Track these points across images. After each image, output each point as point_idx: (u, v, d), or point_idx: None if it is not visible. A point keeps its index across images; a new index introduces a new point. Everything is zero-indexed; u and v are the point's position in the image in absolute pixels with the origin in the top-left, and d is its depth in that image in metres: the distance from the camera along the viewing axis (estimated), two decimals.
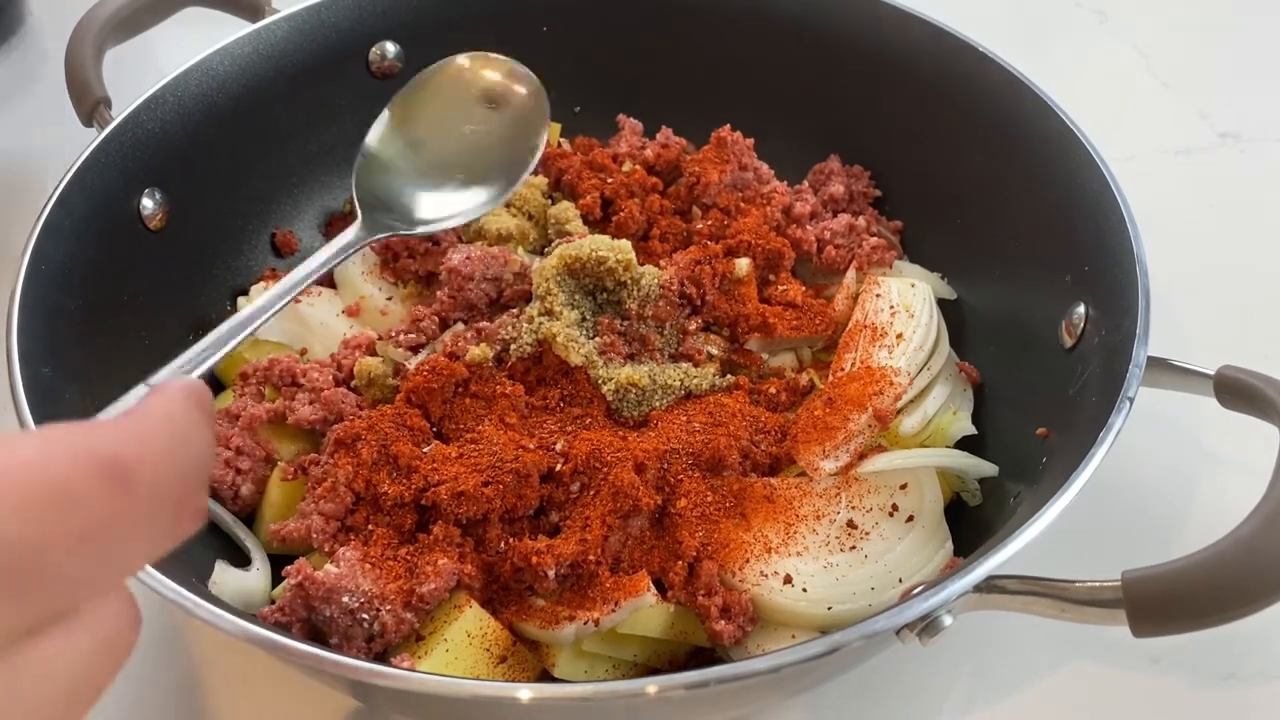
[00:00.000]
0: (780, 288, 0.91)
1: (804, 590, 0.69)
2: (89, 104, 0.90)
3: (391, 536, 0.71)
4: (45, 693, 0.28)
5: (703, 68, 1.08)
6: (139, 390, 0.39)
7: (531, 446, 0.74)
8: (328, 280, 0.95)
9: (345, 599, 0.65)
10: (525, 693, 0.54)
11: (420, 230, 0.84)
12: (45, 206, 0.78)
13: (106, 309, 0.81)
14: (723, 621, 0.68)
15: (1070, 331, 0.77)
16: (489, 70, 0.92)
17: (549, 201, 0.98)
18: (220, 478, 0.77)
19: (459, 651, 0.66)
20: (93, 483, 0.27)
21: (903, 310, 0.87)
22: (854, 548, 0.72)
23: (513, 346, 0.81)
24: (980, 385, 0.86)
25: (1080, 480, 0.61)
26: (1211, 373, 0.68)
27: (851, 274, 0.93)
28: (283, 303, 0.72)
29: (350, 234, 0.81)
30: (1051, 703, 0.75)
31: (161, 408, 0.30)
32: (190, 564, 0.69)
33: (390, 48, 1.04)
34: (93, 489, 0.27)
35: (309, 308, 0.90)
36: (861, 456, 0.76)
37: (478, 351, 0.80)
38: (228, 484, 0.77)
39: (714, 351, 0.86)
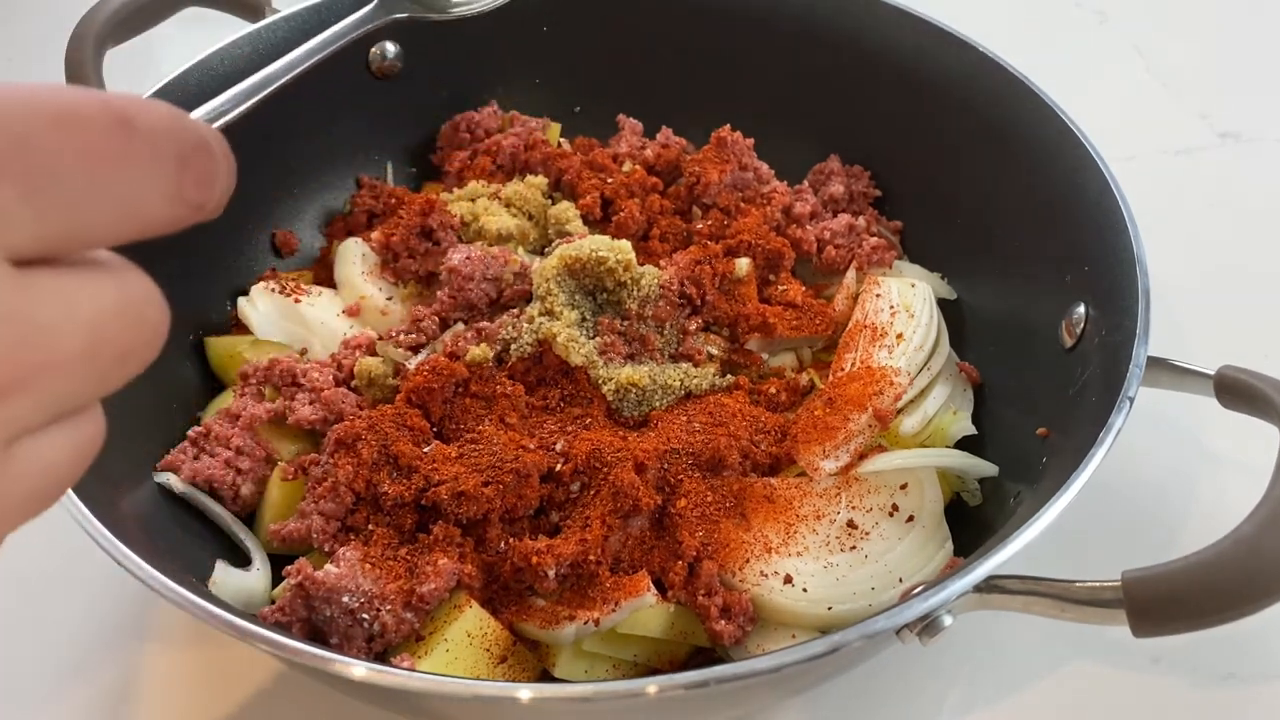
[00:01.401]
0: (780, 288, 0.91)
1: (804, 590, 0.69)
2: None
3: (392, 536, 0.71)
4: (72, 328, 0.28)
5: (703, 68, 1.08)
6: None
7: (531, 446, 0.74)
8: (328, 280, 0.95)
9: (345, 599, 0.65)
10: (525, 693, 0.54)
11: (445, 15, 0.83)
12: None
13: None
14: (723, 621, 0.68)
15: (1070, 331, 0.77)
16: None
17: (549, 201, 0.98)
18: (220, 478, 0.77)
19: (459, 651, 0.66)
20: (98, 111, 0.28)
21: (903, 310, 0.87)
22: (854, 548, 0.71)
23: (513, 346, 0.81)
24: (980, 385, 0.86)
25: (1080, 480, 0.61)
26: (1211, 373, 0.68)
27: (851, 274, 0.93)
28: (278, 82, 0.70)
29: (365, 11, 0.79)
30: (1051, 703, 0.75)
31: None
32: (190, 564, 0.69)
33: (390, 48, 1.04)
34: (98, 116, 0.28)
35: (309, 308, 0.90)
36: (861, 456, 0.76)
37: (478, 351, 0.80)
38: (228, 484, 0.77)
39: (714, 351, 0.86)
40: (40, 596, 0.81)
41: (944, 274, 0.95)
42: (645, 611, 0.68)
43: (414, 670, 0.61)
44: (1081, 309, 0.77)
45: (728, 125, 1.00)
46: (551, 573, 0.67)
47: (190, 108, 0.91)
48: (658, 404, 0.81)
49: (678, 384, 0.81)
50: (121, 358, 0.30)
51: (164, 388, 0.83)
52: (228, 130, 0.93)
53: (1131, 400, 0.65)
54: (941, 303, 0.91)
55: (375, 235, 0.94)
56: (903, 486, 0.74)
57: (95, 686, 0.76)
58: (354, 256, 0.93)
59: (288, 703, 0.75)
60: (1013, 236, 0.88)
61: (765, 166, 1.01)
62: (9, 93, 0.27)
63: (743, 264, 0.90)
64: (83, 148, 0.28)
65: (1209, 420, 0.79)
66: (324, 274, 0.97)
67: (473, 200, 0.96)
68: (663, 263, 0.88)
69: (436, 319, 0.86)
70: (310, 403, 0.81)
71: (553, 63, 1.10)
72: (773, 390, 0.83)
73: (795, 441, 0.76)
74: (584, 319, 0.83)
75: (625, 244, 0.84)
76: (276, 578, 0.73)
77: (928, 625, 0.58)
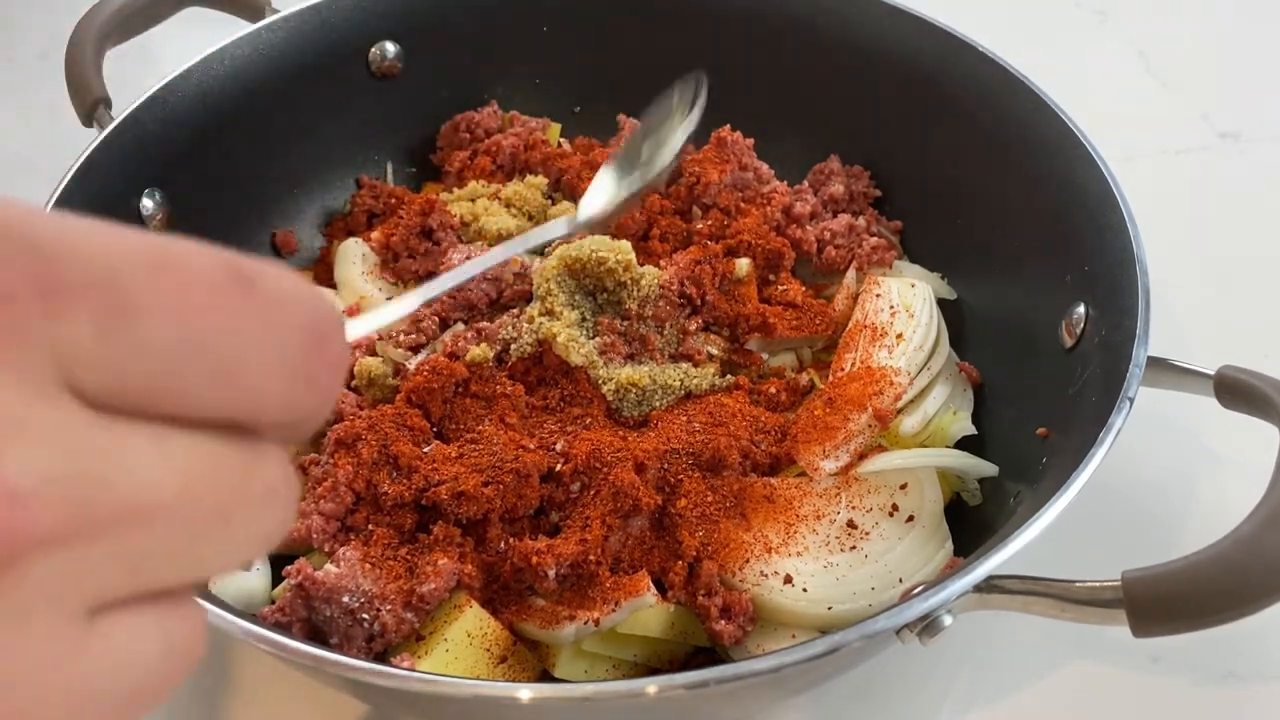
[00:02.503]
0: (780, 288, 0.91)
1: (804, 590, 0.69)
2: (89, 104, 0.90)
3: (392, 536, 0.71)
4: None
5: (703, 68, 1.08)
6: None
7: (531, 446, 0.74)
8: (328, 280, 0.95)
9: (345, 599, 0.66)
10: (525, 693, 0.54)
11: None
12: (45, 207, 0.78)
13: None
14: (723, 621, 0.68)
15: (1070, 331, 0.77)
16: None
17: (549, 201, 0.98)
18: None
19: (459, 651, 0.66)
20: (211, 264, 0.24)
21: (903, 310, 0.87)
22: (854, 548, 0.72)
23: (513, 346, 0.81)
24: (980, 385, 0.86)
25: (1080, 480, 0.61)
26: (1211, 373, 0.68)
27: (851, 274, 0.93)
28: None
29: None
30: (1051, 702, 0.75)
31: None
32: None
33: (390, 48, 1.04)
34: (210, 268, 0.24)
35: None
36: (861, 456, 0.76)
37: (478, 351, 0.80)
38: None
39: (714, 351, 0.86)
40: None
41: (944, 274, 0.94)
42: (645, 611, 0.68)
43: (414, 670, 0.61)
44: (1081, 309, 0.77)
45: (728, 125, 1.00)
46: (551, 573, 0.67)
47: (188, 109, 0.91)
48: (658, 404, 0.81)
49: (678, 384, 0.81)
50: (221, 518, 0.24)
51: None
52: (223, 127, 0.94)
53: (1131, 400, 0.65)
54: (941, 303, 0.91)
55: (375, 235, 0.94)
56: (903, 486, 0.74)
57: None
58: (354, 256, 0.93)
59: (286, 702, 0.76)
60: (1013, 236, 0.88)
61: (765, 166, 1.01)
62: (111, 232, 0.23)
63: (743, 264, 0.90)
64: (180, 295, 0.23)
65: (1209, 420, 0.78)
66: (324, 274, 0.97)
67: (473, 200, 0.96)
68: (663, 263, 0.88)
69: (436, 319, 0.86)
70: None
71: (553, 63, 1.10)
72: (773, 390, 0.83)
73: (795, 441, 0.76)
74: (584, 319, 0.83)
75: (625, 244, 0.84)
76: (276, 578, 0.73)
77: (928, 625, 0.58)
